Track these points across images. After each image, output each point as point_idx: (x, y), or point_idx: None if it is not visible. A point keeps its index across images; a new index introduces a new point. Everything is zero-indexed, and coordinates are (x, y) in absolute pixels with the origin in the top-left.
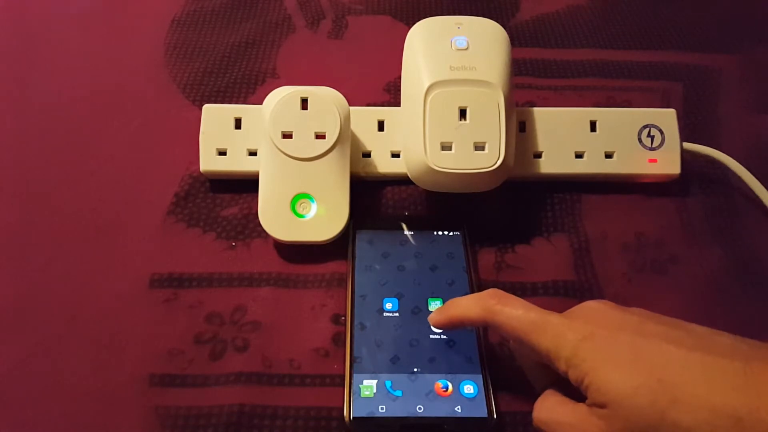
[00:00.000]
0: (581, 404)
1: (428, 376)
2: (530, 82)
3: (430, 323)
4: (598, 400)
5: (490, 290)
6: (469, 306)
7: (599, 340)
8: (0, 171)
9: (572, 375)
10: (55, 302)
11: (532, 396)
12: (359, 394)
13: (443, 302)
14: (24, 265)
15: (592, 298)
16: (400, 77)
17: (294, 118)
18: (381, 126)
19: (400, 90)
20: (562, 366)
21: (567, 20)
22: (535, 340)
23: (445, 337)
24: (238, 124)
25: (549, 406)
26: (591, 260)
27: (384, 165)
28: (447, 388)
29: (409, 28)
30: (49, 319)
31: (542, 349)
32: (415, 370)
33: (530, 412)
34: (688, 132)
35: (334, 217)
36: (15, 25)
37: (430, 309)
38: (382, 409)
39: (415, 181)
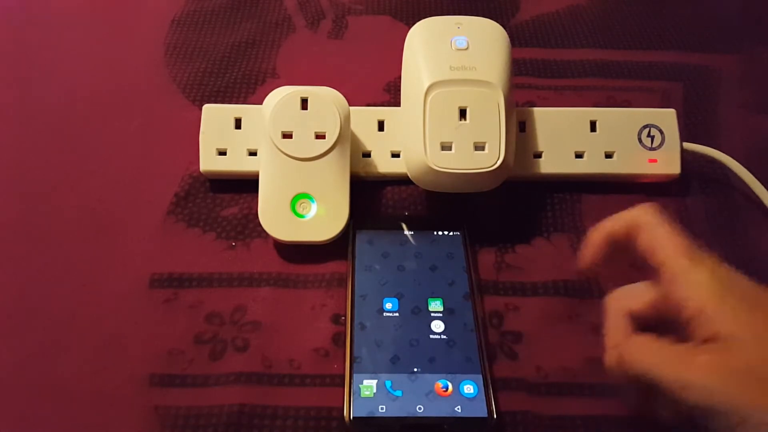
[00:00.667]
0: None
1: (428, 376)
2: (530, 82)
3: (582, 265)
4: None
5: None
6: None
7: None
8: (0, 171)
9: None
10: (55, 302)
11: (532, 396)
12: (359, 394)
13: (443, 302)
14: (24, 265)
15: (591, 298)
16: (400, 77)
17: (294, 118)
18: (381, 126)
19: (400, 90)
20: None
21: (567, 20)
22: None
23: (445, 337)
24: (238, 124)
25: (652, 347)
26: None
27: (384, 165)
28: (447, 388)
29: (409, 28)
30: (49, 319)
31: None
32: (415, 370)
33: (531, 412)
34: (688, 132)
35: (334, 217)
36: (15, 26)
37: (430, 309)
38: (382, 409)
39: (415, 181)
